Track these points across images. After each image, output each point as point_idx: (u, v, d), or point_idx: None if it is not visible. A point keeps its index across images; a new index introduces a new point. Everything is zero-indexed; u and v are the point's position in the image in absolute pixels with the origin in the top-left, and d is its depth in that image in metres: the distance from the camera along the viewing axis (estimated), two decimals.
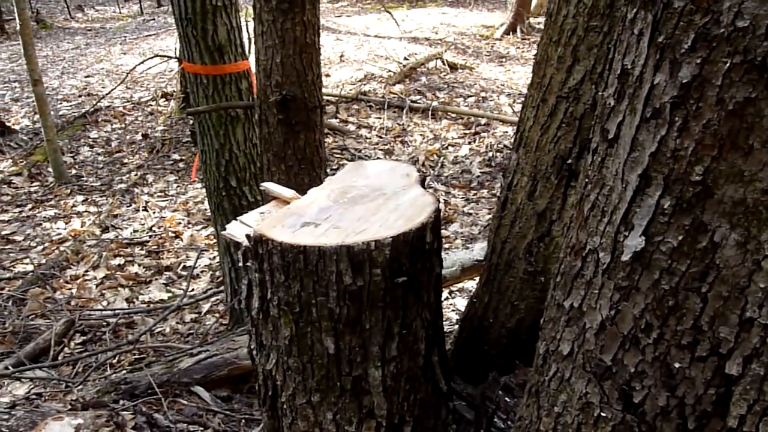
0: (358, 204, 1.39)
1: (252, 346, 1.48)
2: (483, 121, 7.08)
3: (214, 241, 4.84)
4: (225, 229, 1.42)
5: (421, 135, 6.85)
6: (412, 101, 7.49)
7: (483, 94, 8.03)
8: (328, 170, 2.78)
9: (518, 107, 7.47)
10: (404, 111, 7.25)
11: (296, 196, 1.46)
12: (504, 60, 9.73)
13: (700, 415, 0.87)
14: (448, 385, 1.49)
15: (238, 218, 1.43)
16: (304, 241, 1.23)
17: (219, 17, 2.94)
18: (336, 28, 12.01)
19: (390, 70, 8.61)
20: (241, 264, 1.37)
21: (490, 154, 6.33)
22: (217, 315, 4.12)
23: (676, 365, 0.86)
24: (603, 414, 0.97)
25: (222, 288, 4.03)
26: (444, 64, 8.83)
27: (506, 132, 6.75)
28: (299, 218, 1.33)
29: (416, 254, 1.28)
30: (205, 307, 4.20)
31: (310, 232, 1.27)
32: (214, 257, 4.80)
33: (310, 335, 1.30)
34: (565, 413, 1.05)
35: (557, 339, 1.05)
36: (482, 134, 6.80)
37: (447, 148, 6.58)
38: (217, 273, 4.54)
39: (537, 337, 1.21)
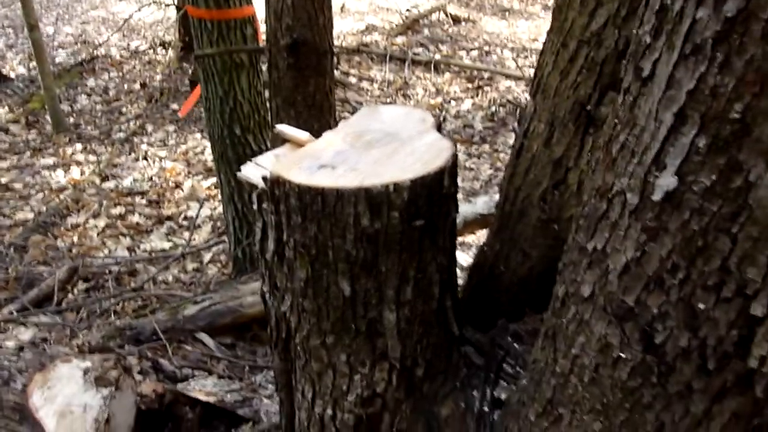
0: (374, 147, 1.37)
1: (265, 289, 1.48)
2: (486, 75, 6.99)
3: (216, 191, 4.82)
4: (233, 176, 1.40)
5: (423, 88, 6.77)
6: (415, 54, 7.38)
7: (486, 48, 7.91)
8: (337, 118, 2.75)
9: (522, 62, 7.36)
10: (406, 64, 7.14)
11: (311, 139, 1.44)
12: (507, 13, 9.55)
13: (720, 357, 0.87)
14: (460, 330, 1.50)
15: (252, 160, 1.41)
16: (322, 182, 1.22)
17: None
18: None
19: (392, 22, 8.46)
20: (255, 206, 1.36)
21: (493, 108, 6.27)
22: (219, 265, 4.14)
23: (701, 306, 0.86)
24: (622, 355, 0.97)
25: (224, 238, 4.04)
26: (447, 17, 8.67)
27: (509, 87, 6.68)
28: (316, 161, 1.31)
29: (433, 198, 1.27)
30: (207, 256, 4.21)
31: (328, 175, 1.25)
32: (215, 207, 4.79)
33: (326, 277, 1.30)
34: (582, 355, 1.06)
35: (577, 281, 1.05)
36: (485, 88, 6.73)
37: (449, 102, 6.51)
38: (219, 223, 4.54)
39: (548, 285, 1.21)
